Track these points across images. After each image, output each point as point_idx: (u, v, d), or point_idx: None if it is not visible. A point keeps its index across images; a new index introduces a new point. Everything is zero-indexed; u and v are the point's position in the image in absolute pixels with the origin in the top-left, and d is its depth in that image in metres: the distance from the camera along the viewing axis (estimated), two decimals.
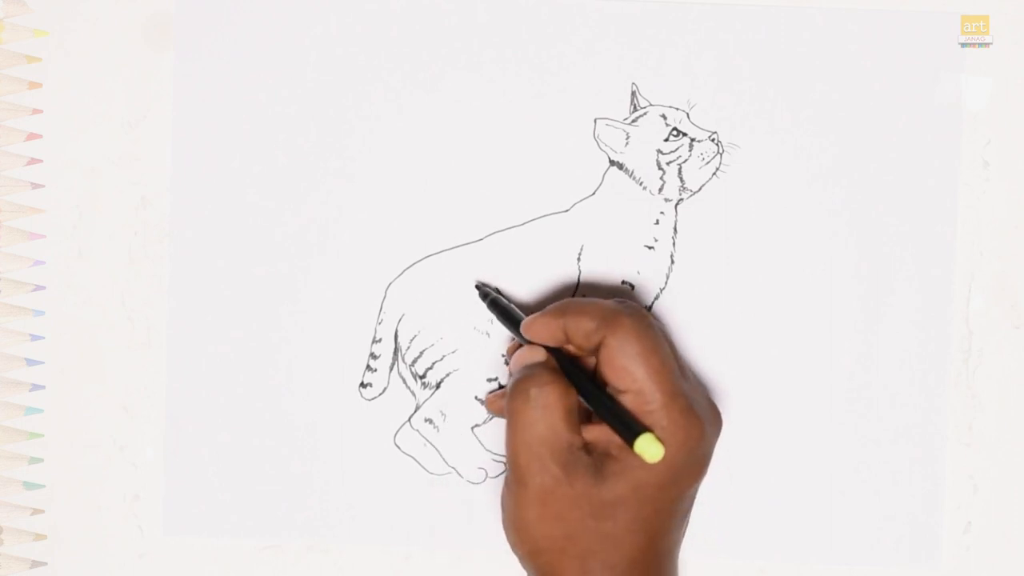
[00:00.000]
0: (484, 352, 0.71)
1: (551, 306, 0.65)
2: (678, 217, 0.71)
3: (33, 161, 0.71)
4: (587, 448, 0.62)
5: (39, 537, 0.72)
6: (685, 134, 0.70)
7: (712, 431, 0.63)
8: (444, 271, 0.71)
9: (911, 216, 0.70)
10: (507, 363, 0.70)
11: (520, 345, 0.67)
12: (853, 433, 0.71)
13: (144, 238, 0.71)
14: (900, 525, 0.71)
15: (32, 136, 0.71)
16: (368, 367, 0.71)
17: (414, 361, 0.71)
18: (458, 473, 0.71)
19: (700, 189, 0.71)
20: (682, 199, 0.71)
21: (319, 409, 0.71)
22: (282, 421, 0.71)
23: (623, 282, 0.71)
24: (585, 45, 0.70)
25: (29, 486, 0.72)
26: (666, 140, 0.70)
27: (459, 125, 0.71)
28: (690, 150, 0.70)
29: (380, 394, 0.71)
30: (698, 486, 0.64)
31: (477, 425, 0.71)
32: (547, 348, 0.65)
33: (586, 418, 0.63)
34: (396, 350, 0.71)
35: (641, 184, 0.71)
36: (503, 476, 0.71)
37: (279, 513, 0.71)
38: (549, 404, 0.61)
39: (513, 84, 0.70)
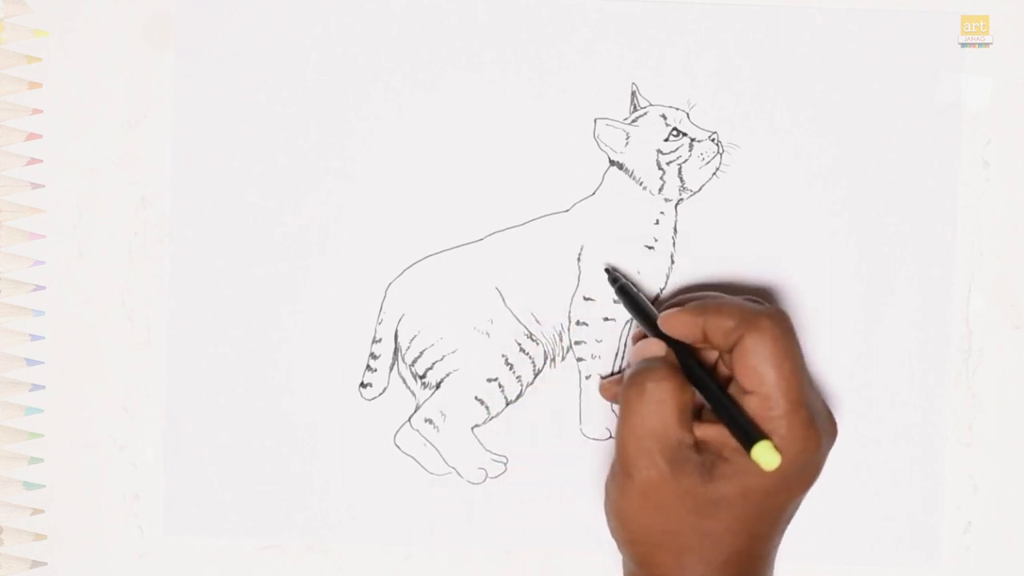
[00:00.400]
0: (484, 352, 0.71)
1: (691, 303, 0.64)
2: (678, 217, 0.71)
3: (33, 161, 0.71)
4: (697, 446, 0.62)
5: (39, 537, 0.72)
6: (685, 134, 0.70)
7: (828, 443, 0.62)
8: (444, 271, 0.71)
9: (911, 216, 0.70)
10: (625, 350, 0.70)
11: (644, 335, 0.67)
12: (853, 433, 0.71)
13: (144, 238, 0.71)
14: (900, 525, 0.71)
15: (32, 136, 0.71)
16: (368, 367, 0.71)
17: (414, 361, 0.71)
18: (458, 473, 0.71)
19: (700, 189, 0.71)
20: (682, 199, 0.71)
21: (319, 409, 0.71)
22: (282, 421, 0.71)
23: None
24: (585, 45, 0.70)
25: (29, 486, 0.72)
26: (666, 140, 0.70)
27: (459, 125, 0.71)
28: (690, 150, 0.70)
29: (380, 394, 0.71)
30: (805, 495, 0.63)
31: (477, 425, 0.71)
32: (670, 343, 0.64)
33: (698, 416, 0.63)
34: (396, 350, 0.71)
35: (641, 184, 0.71)
36: (503, 476, 0.71)
37: (279, 513, 0.71)
38: (664, 399, 0.61)
39: (513, 84, 0.70)
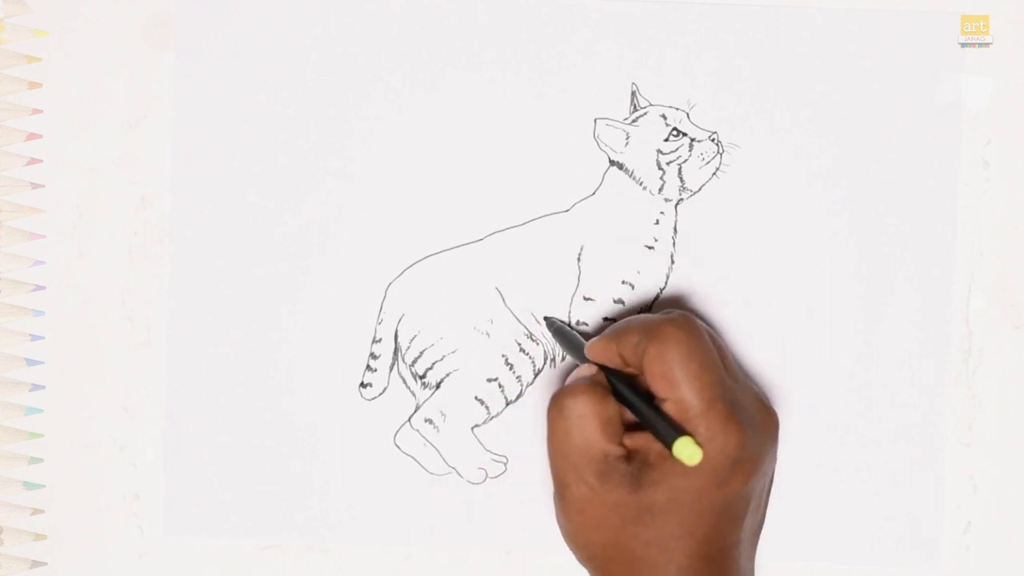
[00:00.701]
0: (484, 352, 0.71)
1: (608, 329, 0.65)
2: (678, 217, 0.71)
3: (33, 161, 0.71)
4: (628, 457, 0.62)
5: (39, 537, 0.72)
6: (685, 134, 0.70)
7: (758, 434, 0.62)
8: (444, 271, 0.71)
9: (911, 216, 0.70)
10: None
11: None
12: (853, 433, 0.71)
13: (144, 238, 0.71)
14: (900, 525, 0.71)
15: (32, 136, 0.71)
16: (368, 367, 0.71)
17: (414, 361, 0.71)
18: (458, 473, 0.71)
19: (700, 189, 0.71)
20: (682, 199, 0.71)
21: (319, 409, 0.71)
22: (282, 421, 0.71)
23: (623, 282, 0.71)
24: (585, 45, 0.70)
25: (29, 486, 0.72)
26: (666, 140, 0.70)
27: (459, 125, 0.71)
28: (690, 150, 0.70)
29: (380, 394, 0.71)
30: (754, 488, 0.63)
31: (477, 425, 0.71)
32: (602, 367, 0.65)
33: (631, 429, 0.63)
34: (396, 350, 0.71)
35: (641, 184, 0.71)
36: (503, 476, 0.71)
37: (279, 513, 0.71)
38: (584, 414, 0.62)
39: (513, 84, 0.70)
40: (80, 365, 0.71)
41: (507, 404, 0.71)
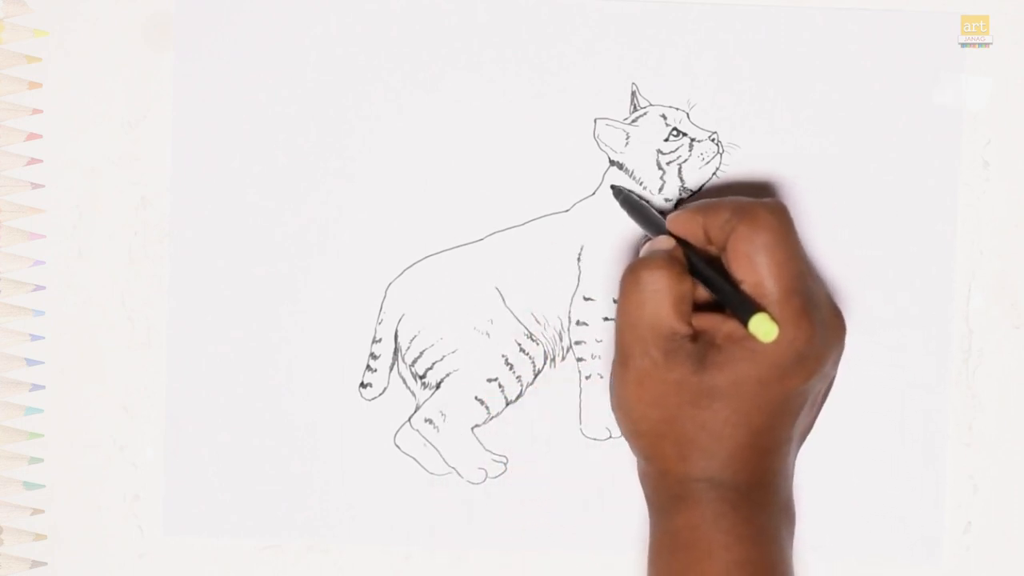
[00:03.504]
0: (484, 352, 0.71)
1: (696, 202, 0.65)
2: None
3: (33, 161, 0.71)
4: (695, 337, 0.62)
5: (39, 537, 0.72)
6: (685, 134, 0.70)
7: (826, 335, 0.62)
8: (444, 271, 0.71)
9: (911, 216, 0.70)
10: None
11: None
12: (853, 433, 0.71)
13: (144, 238, 0.71)
14: (900, 525, 0.71)
15: (32, 136, 0.71)
16: (368, 367, 0.71)
17: (414, 361, 0.71)
18: (458, 473, 0.71)
19: (700, 189, 0.71)
20: (682, 199, 0.71)
21: (319, 409, 0.71)
22: (282, 421, 0.71)
23: None
24: (585, 45, 0.70)
25: (29, 486, 0.72)
26: (666, 140, 0.70)
27: (459, 125, 0.71)
28: (690, 150, 0.70)
29: (380, 394, 0.71)
30: (812, 387, 0.63)
31: (477, 425, 0.71)
32: (681, 243, 0.64)
33: (699, 309, 0.63)
34: (396, 350, 0.71)
35: (641, 184, 0.71)
36: (503, 476, 0.71)
37: (279, 513, 0.71)
38: (659, 288, 0.61)
39: (513, 84, 0.70)
40: (80, 365, 0.71)
41: (507, 404, 0.71)
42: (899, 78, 0.70)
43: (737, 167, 0.70)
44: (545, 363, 0.71)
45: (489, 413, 0.71)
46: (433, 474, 0.71)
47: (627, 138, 0.70)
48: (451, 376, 0.71)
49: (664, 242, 0.65)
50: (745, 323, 0.60)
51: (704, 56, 0.70)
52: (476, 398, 0.71)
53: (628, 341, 0.62)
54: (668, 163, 0.70)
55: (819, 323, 0.61)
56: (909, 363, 0.70)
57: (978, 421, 0.71)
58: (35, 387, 0.71)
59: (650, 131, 0.70)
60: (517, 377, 0.71)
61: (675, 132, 0.70)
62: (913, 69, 0.70)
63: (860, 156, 0.70)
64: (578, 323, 0.71)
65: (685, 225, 0.64)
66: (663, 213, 0.67)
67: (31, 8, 0.71)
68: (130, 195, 0.71)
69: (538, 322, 0.71)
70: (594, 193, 0.71)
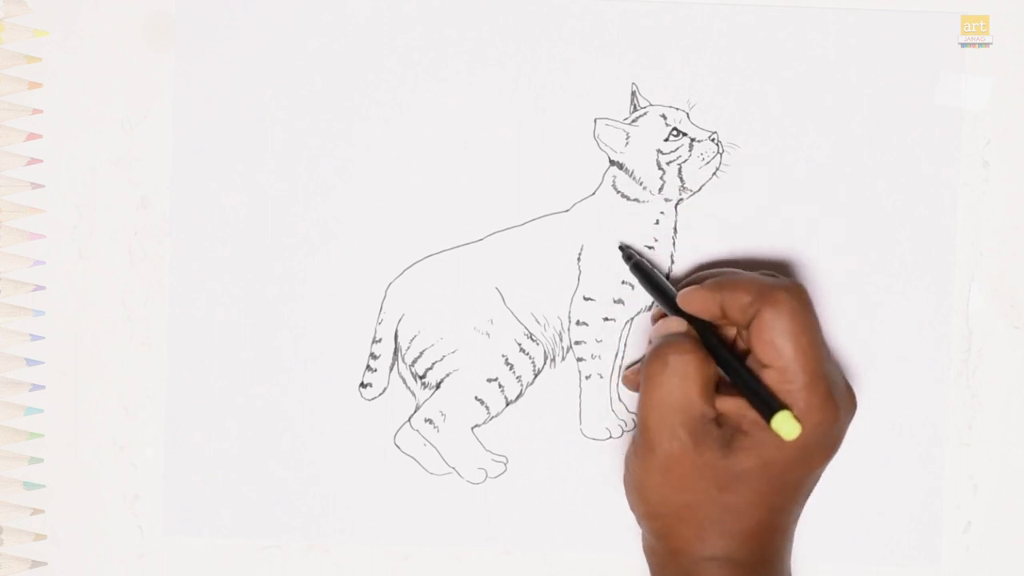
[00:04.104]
0: (484, 352, 0.71)
1: (709, 280, 0.65)
2: (678, 217, 0.71)
3: (33, 161, 0.71)
4: (718, 420, 0.62)
5: (39, 537, 0.72)
6: (685, 134, 0.70)
7: (847, 416, 0.63)
8: (444, 271, 0.71)
9: (911, 216, 0.70)
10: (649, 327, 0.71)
11: (664, 314, 0.67)
12: (853, 433, 0.70)
13: (144, 238, 0.71)
14: (900, 525, 0.71)
15: (32, 136, 0.71)
16: (368, 367, 0.71)
17: (414, 361, 0.71)
18: (458, 473, 0.71)
19: (700, 189, 0.71)
20: (682, 199, 0.71)
21: (319, 409, 0.71)
22: (282, 421, 0.71)
23: (623, 282, 0.71)
24: (585, 45, 0.70)
25: (29, 486, 0.72)
26: (666, 140, 0.70)
27: (459, 125, 0.71)
28: (690, 150, 0.70)
29: (380, 394, 0.71)
30: (826, 467, 0.64)
31: (477, 425, 0.71)
32: (690, 320, 0.64)
33: (717, 390, 0.63)
34: (396, 350, 0.71)
35: (641, 184, 0.71)
36: (503, 476, 0.71)
37: (279, 513, 0.71)
38: (688, 373, 0.62)
39: (513, 84, 0.71)
40: (80, 365, 0.71)
41: (507, 404, 0.71)
42: (899, 78, 0.70)
43: (737, 167, 0.70)
44: (545, 363, 0.71)
45: (489, 413, 0.71)
46: (433, 474, 0.71)
47: (627, 138, 0.70)
48: (451, 376, 0.71)
49: (677, 324, 0.65)
50: (768, 419, 0.60)
51: (704, 56, 0.70)
52: (476, 398, 0.71)
53: (655, 425, 0.62)
54: (668, 163, 0.70)
55: (841, 405, 0.62)
56: (909, 363, 0.70)
57: (977, 421, 0.71)
58: (35, 387, 0.71)
59: (650, 131, 0.70)
60: (517, 377, 0.71)
61: (675, 132, 0.70)
62: (913, 69, 0.70)
63: (860, 156, 0.70)
64: (578, 323, 0.71)
65: (701, 304, 0.64)
66: (674, 283, 0.67)
67: (31, 8, 0.71)
68: (130, 195, 0.71)
69: (538, 322, 0.71)
70: (594, 193, 0.71)
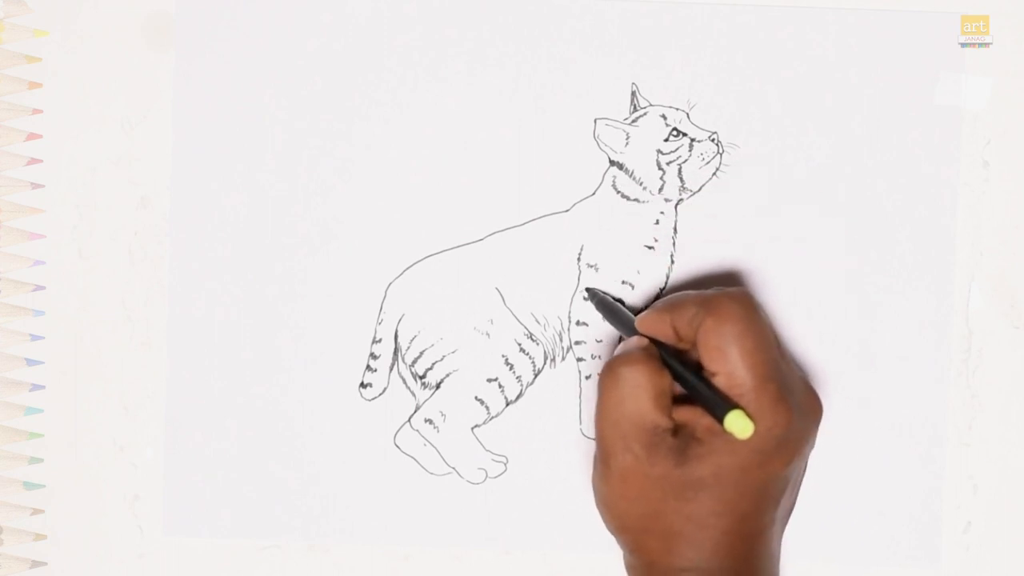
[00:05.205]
0: (484, 352, 0.71)
1: (659, 301, 0.65)
2: (678, 217, 0.71)
3: (33, 161, 0.71)
4: (675, 431, 0.62)
5: (39, 537, 0.72)
6: (685, 134, 0.70)
7: (804, 418, 0.62)
8: (444, 271, 0.71)
9: (911, 216, 0.70)
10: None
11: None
12: (853, 433, 0.71)
13: (144, 238, 0.71)
14: (900, 525, 0.71)
15: (32, 136, 0.71)
16: (368, 367, 0.71)
17: (414, 361, 0.71)
18: (458, 473, 0.71)
19: (700, 189, 0.71)
20: (682, 199, 0.71)
21: (319, 409, 0.71)
22: (282, 421, 0.71)
23: (623, 282, 0.71)
24: (585, 45, 0.70)
25: (29, 486, 0.72)
26: (666, 140, 0.70)
27: (459, 125, 0.71)
28: (690, 150, 0.70)
29: (380, 394, 0.71)
30: (793, 470, 0.63)
31: (477, 425, 0.71)
32: (653, 342, 0.64)
33: (677, 403, 0.63)
34: (396, 350, 0.71)
35: (641, 184, 0.71)
36: (503, 476, 0.71)
37: (279, 513, 0.71)
38: (639, 383, 0.62)
39: (513, 84, 0.71)
40: (80, 365, 0.71)
41: (507, 404, 0.71)
42: (899, 78, 0.70)
43: (737, 167, 0.70)
44: (545, 363, 0.71)
45: (489, 413, 0.71)
46: (433, 474, 0.71)
47: (627, 138, 0.70)
48: (451, 376, 0.71)
49: (635, 341, 0.65)
50: (720, 420, 0.60)
51: (704, 56, 0.70)
52: (476, 398, 0.71)
53: (610, 438, 0.62)
54: (668, 163, 0.70)
55: (796, 407, 0.62)
56: (909, 363, 0.70)
57: (977, 421, 0.71)
58: (35, 387, 0.71)
59: (650, 131, 0.70)
60: (517, 377, 0.71)
61: (675, 132, 0.70)
62: (913, 69, 0.70)
63: (860, 156, 0.70)
64: (578, 323, 0.71)
65: (654, 325, 0.64)
66: (635, 312, 0.67)
67: (31, 8, 0.71)
68: (130, 195, 0.71)
69: (538, 322, 0.71)
70: (594, 193, 0.71)
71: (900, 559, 0.71)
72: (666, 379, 0.62)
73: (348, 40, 0.71)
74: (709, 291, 0.64)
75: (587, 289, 0.70)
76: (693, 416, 0.62)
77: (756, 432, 0.60)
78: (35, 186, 0.71)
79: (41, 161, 0.71)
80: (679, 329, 0.63)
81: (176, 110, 0.71)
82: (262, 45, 0.71)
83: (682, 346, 0.64)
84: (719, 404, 0.60)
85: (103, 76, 0.71)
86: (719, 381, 0.61)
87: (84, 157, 0.71)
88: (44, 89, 0.71)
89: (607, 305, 0.69)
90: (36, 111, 0.71)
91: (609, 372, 0.63)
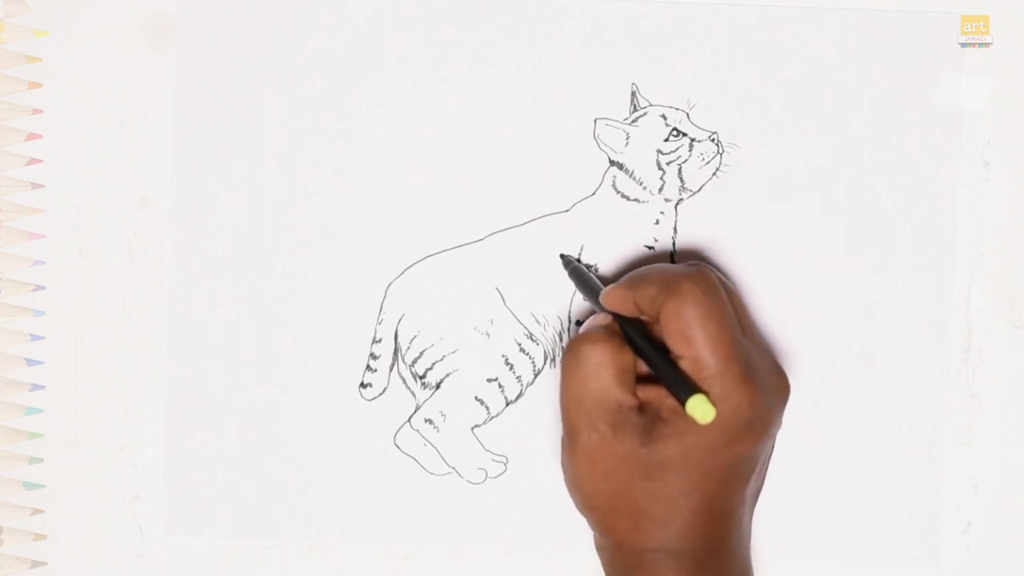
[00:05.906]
0: (484, 352, 0.71)
1: (625, 276, 0.65)
2: (678, 217, 0.71)
3: (33, 161, 0.71)
4: (641, 409, 0.62)
5: (39, 537, 0.72)
6: (685, 134, 0.70)
7: (770, 397, 0.62)
8: (444, 271, 0.71)
9: (911, 216, 0.70)
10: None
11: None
12: (853, 433, 0.71)
13: (144, 238, 0.71)
14: (900, 525, 0.71)
15: (32, 136, 0.71)
16: (368, 367, 0.71)
17: (414, 361, 0.71)
18: (458, 473, 0.71)
19: (700, 189, 0.71)
20: (682, 199, 0.71)
21: (319, 409, 0.71)
22: (282, 421, 0.71)
23: None
24: (585, 45, 0.70)
25: (29, 486, 0.72)
26: (666, 140, 0.70)
27: (459, 125, 0.71)
28: (690, 150, 0.70)
29: (380, 394, 0.71)
30: (761, 450, 0.63)
31: (477, 425, 0.71)
32: (617, 318, 0.64)
33: (643, 381, 0.63)
34: (396, 350, 0.71)
35: (641, 184, 0.71)
36: (503, 476, 0.71)
37: (279, 513, 0.71)
38: (601, 362, 0.61)
39: (513, 84, 0.71)
40: (80, 365, 0.71)
41: (507, 404, 0.71)
42: (899, 78, 0.70)
43: (737, 167, 0.70)
44: (545, 363, 0.71)
45: (489, 413, 0.71)
46: (433, 474, 0.71)
47: (627, 138, 0.70)
48: (451, 376, 0.71)
49: (601, 319, 0.65)
50: (683, 403, 0.60)
51: (704, 56, 0.70)
52: (476, 398, 0.71)
53: (575, 418, 0.62)
54: (668, 163, 0.70)
55: (762, 387, 0.61)
56: (908, 363, 0.70)
57: (977, 421, 0.71)
58: (35, 387, 0.71)
59: (650, 131, 0.70)
60: (517, 377, 0.71)
61: (675, 132, 0.70)
62: (913, 69, 0.70)
63: (860, 156, 0.70)
64: (578, 323, 0.71)
65: (618, 301, 0.64)
66: (606, 282, 0.67)
67: (31, 8, 0.71)
68: (130, 195, 0.71)
69: (538, 322, 0.71)
70: (594, 193, 0.71)
71: (900, 559, 0.71)
72: (628, 357, 0.62)
73: (348, 40, 0.71)
74: (671, 268, 0.63)
75: (561, 256, 0.70)
76: (658, 395, 0.62)
77: (721, 413, 0.60)
78: (35, 186, 0.71)
79: (41, 161, 0.71)
80: (642, 307, 0.63)
81: (176, 110, 0.71)
82: (262, 45, 0.71)
83: (646, 319, 0.64)
84: (682, 387, 0.60)
85: (103, 76, 0.71)
86: (685, 364, 0.61)
87: (84, 157, 0.71)
88: (44, 89, 0.71)
89: (579, 274, 0.69)
90: (36, 111, 0.71)
91: (571, 351, 0.62)
